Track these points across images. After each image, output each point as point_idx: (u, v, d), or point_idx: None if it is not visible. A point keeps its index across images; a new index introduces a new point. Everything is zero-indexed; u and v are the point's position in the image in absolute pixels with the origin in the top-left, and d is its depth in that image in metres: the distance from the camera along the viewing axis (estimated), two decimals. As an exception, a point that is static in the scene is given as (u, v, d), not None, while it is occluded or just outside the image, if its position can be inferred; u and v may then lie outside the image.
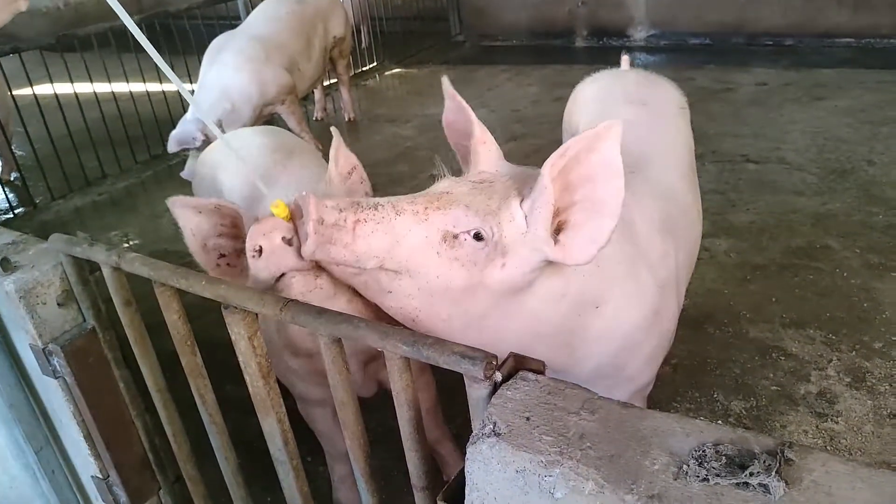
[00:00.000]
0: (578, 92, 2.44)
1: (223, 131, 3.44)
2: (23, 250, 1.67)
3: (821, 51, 6.64)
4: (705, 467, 0.82)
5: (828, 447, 2.23)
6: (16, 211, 4.89)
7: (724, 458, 0.82)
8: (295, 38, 4.86)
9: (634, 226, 1.59)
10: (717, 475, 0.81)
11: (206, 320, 2.18)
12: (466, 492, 0.97)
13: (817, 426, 2.32)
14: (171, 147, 4.14)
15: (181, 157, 4.36)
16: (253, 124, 4.41)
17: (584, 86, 2.45)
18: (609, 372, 1.56)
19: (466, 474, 0.96)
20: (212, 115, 4.18)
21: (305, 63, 4.96)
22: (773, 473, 0.79)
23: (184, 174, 4.22)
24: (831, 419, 2.34)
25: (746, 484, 0.79)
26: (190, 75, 5.62)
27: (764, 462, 0.80)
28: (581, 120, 2.26)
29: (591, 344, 1.48)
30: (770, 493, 0.78)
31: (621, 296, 1.48)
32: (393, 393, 1.14)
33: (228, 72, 4.39)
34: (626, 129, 1.20)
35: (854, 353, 2.62)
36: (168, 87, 5.55)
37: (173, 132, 4.12)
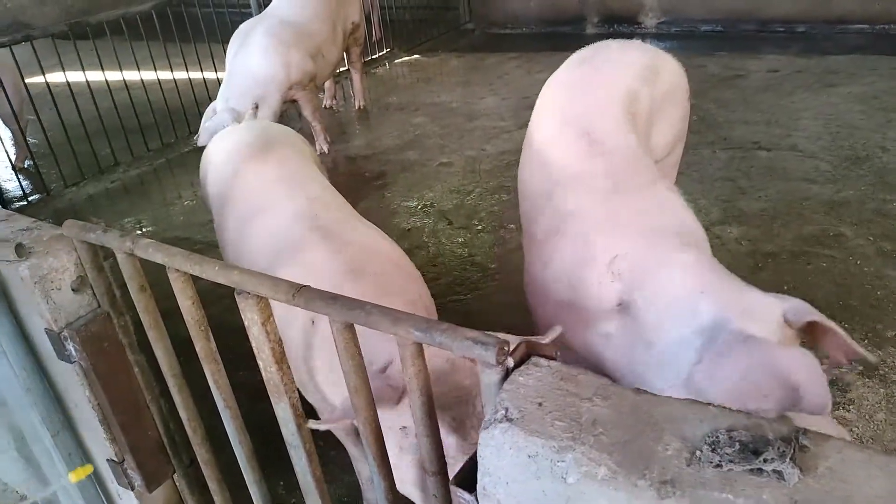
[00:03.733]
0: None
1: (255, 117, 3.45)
2: (38, 236, 1.69)
3: (833, 37, 6.56)
4: (719, 453, 0.82)
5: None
6: (30, 198, 4.93)
7: (737, 444, 0.82)
8: (322, 24, 4.84)
9: None
10: (731, 461, 0.81)
11: (219, 307, 2.21)
12: (479, 476, 0.97)
13: (829, 414, 2.31)
14: (203, 140, 4.08)
15: (192, 146, 4.37)
16: (280, 109, 4.41)
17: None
18: None
19: (479, 459, 0.97)
20: (246, 103, 4.15)
21: (330, 48, 4.94)
22: (788, 460, 0.79)
23: None
24: (843, 407, 2.33)
25: (760, 470, 0.79)
26: (200, 63, 5.64)
27: (778, 448, 0.80)
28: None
29: None
30: (784, 480, 0.78)
31: None
32: (405, 379, 1.14)
33: (257, 56, 4.37)
34: None
35: (867, 341, 2.60)
36: (179, 74, 5.55)
37: (206, 124, 4.06)
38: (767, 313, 1.49)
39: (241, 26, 4.66)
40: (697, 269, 1.64)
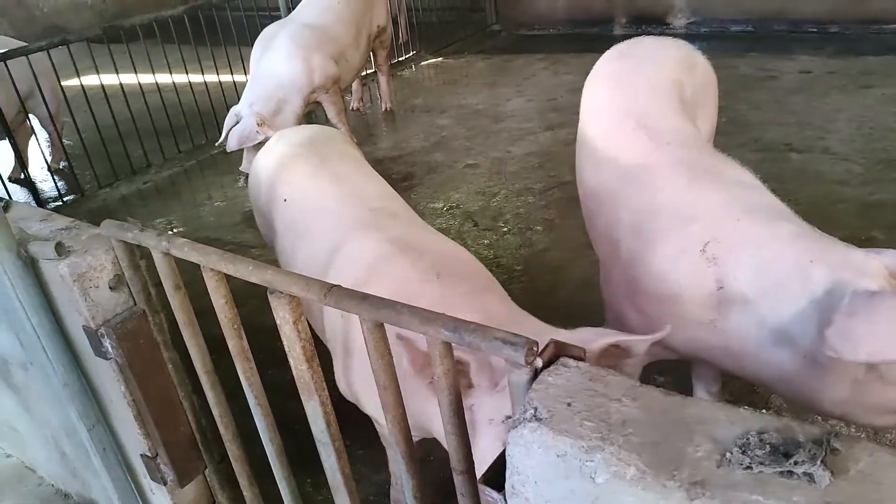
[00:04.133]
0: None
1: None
2: (76, 235, 1.73)
3: (867, 38, 6.45)
4: (749, 455, 0.82)
5: (871, 440, 2.19)
6: (65, 199, 5.04)
7: (768, 446, 0.82)
8: (346, 28, 4.89)
9: None
10: (761, 463, 0.81)
11: (250, 307, 2.24)
12: (507, 475, 0.98)
13: (861, 420, 2.28)
14: (232, 145, 4.13)
15: (222, 148, 4.43)
16: (302, 112, 4.47)
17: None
18: None
19: (507, 458, 0.98)
20: (269, 106, 4.21)
21: (353, 53, 4.99)
22: (819, 462, 0.79)
23: (244, 167, 4.29)
24: (875, 413, 2.29)
25: (791, 472, 0.79)
26: (231, 66, 5.72)
27: (809, 451, 0.80)
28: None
29: None
30: (815, 483, 0.78)
31: None
32: (434, 377, 1.16)
33: (281, 60, 4.43)
34: None
35: (900, 346, 2.56)
36: (210, 77, 5.64)
37: (234, 129, 4.11)
38: (873, 268, 1.53)
39: (265, 31, 4.72)
40: (797, 238, 1.67)
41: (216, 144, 4.26)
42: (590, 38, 7.60)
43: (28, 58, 4.64)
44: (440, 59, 7.61)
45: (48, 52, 4.82)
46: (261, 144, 4.10)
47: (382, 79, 5.99)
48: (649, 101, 2.25)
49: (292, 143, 2.57)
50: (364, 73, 6.32)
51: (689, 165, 1.97)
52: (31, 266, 1.69)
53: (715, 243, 1.73)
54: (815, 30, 6.81)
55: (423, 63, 7.52)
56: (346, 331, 1.75)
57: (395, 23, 7.11)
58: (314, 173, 2.31)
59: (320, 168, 2.32)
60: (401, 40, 7.44)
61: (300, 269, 2.01)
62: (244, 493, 1.82)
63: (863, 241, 3.26)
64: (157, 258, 1.53)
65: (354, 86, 6.12)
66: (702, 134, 2.34)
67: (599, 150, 2.25)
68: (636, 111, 2.21)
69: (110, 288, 1.67)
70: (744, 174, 2.00)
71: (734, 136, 4.53)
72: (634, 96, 2.29)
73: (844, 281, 1.49)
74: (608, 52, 2.65)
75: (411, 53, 7.58)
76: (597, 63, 2.64)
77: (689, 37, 7.48)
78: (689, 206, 1.86)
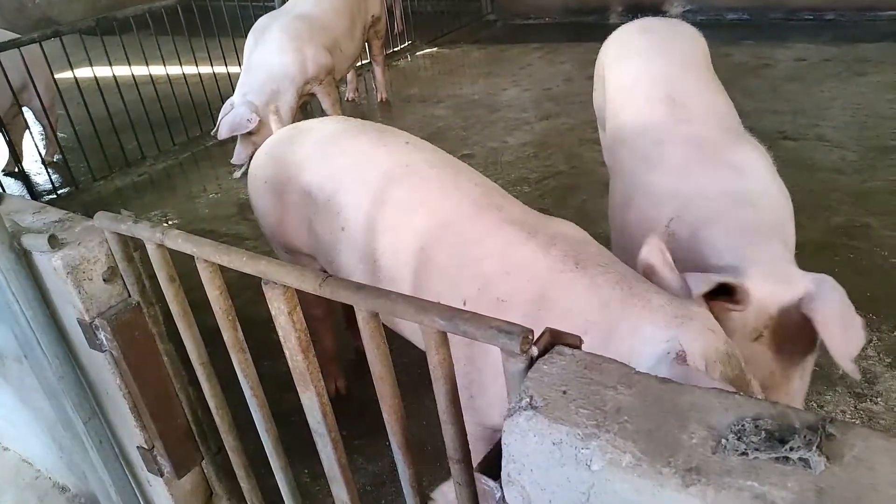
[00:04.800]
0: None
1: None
2: (69, 228, 1.72)
3: (862, 25, 6.44)
4: (744, 441, 0.82)
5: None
6: (59, 191, 5.02)
7: (763, 432, 0.82)
8: (339, 18, 4.86)
9: None
10: (757, 449, 0.81)
11: (245, 298, 2.24)
12: (503, 464, 0.98)
13: (855, 406, 2.29)
14: (223, 133, 4.12)
15: (217, 140, 4.42)
16: (297, 103, 4.45)
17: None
18: None
19: (503, 446, 0.98)
20: (261, 97, 4.19)
21: (348, 43, 4.96)
22: (814, 448, 0.79)
23: (235, 160, 4.26)
24: (870, 399, 2.30)
25: (786, 458, 0.79)
26: (225, 57, 5.69)
27: (804, 437, 0.80)
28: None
29: None
30: (810, 468, 0.78)
31: None
32: (430, 367, 1.16)
33: (273, 52, 4.41)
34: None
35: (895, 333, 2.57)
36: (204, 69, 5.61)
37: (225, 118, 4.11)
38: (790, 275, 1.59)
39: (258, 22, 4.69)
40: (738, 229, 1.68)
41: (211, 133, 4.24)
42: (585, 27, 7.58)
43: (20, 50, 4.61)
44: (436, 49, 7.57)
45: (41, 45, 4.79)
46: (252, 135, 4.10)
47: (377, 69, 5.96)
48: (679, 73, 2.29)
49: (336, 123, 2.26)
50: (359, 64, 6.29)
51: (697, 145, 1.97)
52: (25, 259, 1.68)
53: (676, 221, 1.78)
54: (811, 17, 6.80)
55: (418, 53, 7.49)
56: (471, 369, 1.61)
57: (390, 13, 7.07)
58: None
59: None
60: (396, 30, 7.41)
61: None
62: (241, 485, 1.82)
63: (857, 227, 3.26)
64: (151, 250, 1.52)
65: (350, 76, 6.09)
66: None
67: (629, 125, 2.25)
68: (664, 84, 2.24)
69: (104, 280, 1.66)
70: (749, 158, 1.96)
71: (730, 124, 4.52)
72: (666, 69, 2.32)
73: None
74: (625, 27, 2.68)
75: (407, 43, 7.54)
76: (617, 38, 2.64)
77: (685, 25, 7.50)
78: (673, 184, 1.87)
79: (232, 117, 4.08)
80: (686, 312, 1.38)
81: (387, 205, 1.85)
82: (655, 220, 1.80)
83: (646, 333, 1.35)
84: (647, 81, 2.31)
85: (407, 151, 1.97)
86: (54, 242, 1.61)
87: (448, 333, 1.10)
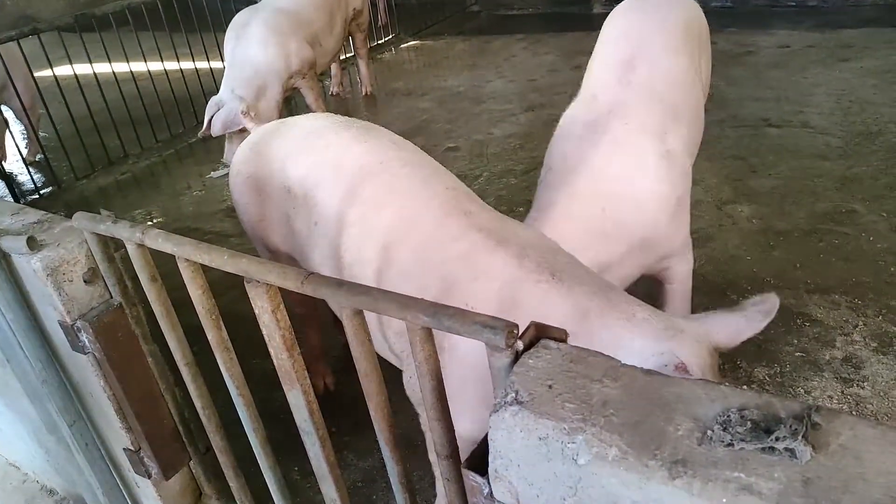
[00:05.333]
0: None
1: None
2: (48, 229, 1.70)
3: (846, 10, 6.47)
4: (730, 432, 0.82)
5: (853, 412, 2.22)
6: (41, 191, 4.96)
7: (749, 422, 0.82)
8: (318, 12, 4.82)
9: None
10: (743, 440, 0.81)
11: (230, 297, 2.22)
12: (490, 459, 0.98)
13: (843, 391, 2.30)
14: (217, 130, 4.04)
15: (200, 137, 4.37)
16: (282, 98, 4.41)
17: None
18: None
19: (490, 442, 0.97)
20: (248, 93, 4.15)
21: (327, 37, 4.93)
22: (800, 438, 0.78)
23: (225, 159, 4.22)
24: (857, 384, 2.32)
25: (772, 448, 0.79)
26: (207, 53, 5.63)
27: (790, 426, 0.80)
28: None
29: None
30: (797, 458, 0.78)
31: None
32: (415, 363, 1.15)
33: (256, 47, 4.37)
34: None
35: (881, 317, 2.59)
36: (186, 64, 5.55)
37: (217, 114, 4.05)
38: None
39: (237, 17, 4.63)
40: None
41: (199, 135, 4.20)
42: (569, 18, 7.57)
43: (-2, 49, 4.55)
44: (420, 41, 7.54)
45: (18, 42, 4.72)
46: (243, 133, 4.06)
47: (361, 62, 5.93)
48: (649, 36, 2.36)
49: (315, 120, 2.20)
50: (343, 58, 6.25)
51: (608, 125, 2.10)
52: (5, 261, 1.66)
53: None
54: (793, 4, 6.82)
55: (403, 46, 7.46)
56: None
57: (373, 5, 7.03)
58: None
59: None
60: (380, 23, 7.36)
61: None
62: (230, 484, 1.81)
63: (843, 213, 3.28)
64: (132, 250, 1.50)
65: (334, 70, 6.05)
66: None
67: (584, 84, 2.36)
68: (630, 47, 2.31)
69: (85, 281, 1.64)
70: (632, 157, 2.09)
71: (712, 112, 4.51)
72: (640, 32, 2.39)
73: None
74: (619, 6, 2.69)
75: (391, 36, 7.51)
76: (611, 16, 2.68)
77: (669, 14, 7.50)
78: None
79: (226, 113, 4.03)
80: (674, 324, 1.41)
81: (356, 200, 1.82)
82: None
83: (635, 346, 1.37)
84: (614, 41, 2.40)
85: (384, 149, 1.95)
86: (33, 244, 1.58)
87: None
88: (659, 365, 1.31)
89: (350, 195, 1.84)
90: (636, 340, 1.38)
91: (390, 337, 1.78)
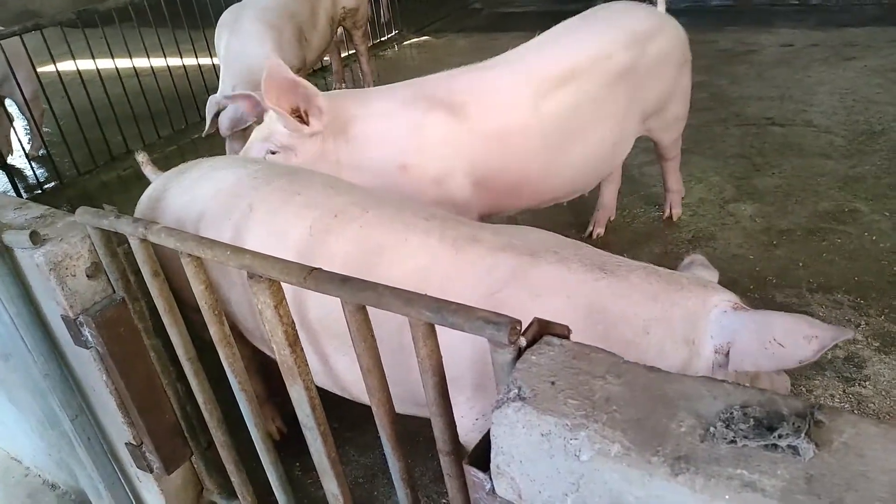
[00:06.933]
0: None
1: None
2: (51, 224, 1.70)
3: (849, 9, 6.45)
4: (733, 429, 0.82)
5: (855, 411, 2.22)
6: (44, 187, 4.96)
7: (752, 420, 0.82)
8: (300, 5, 4.82)
9: None
10: (745, 437, 0.81)
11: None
12: (492, 456, 0.98)
13: (844, 390, 2.30)
14: (225, 129, 4.03)
15: (203, 132, 4.36)
16: None
17: None
18: None
19: (492, 438, 0.97)
20: (248, 89, 4.14)
21: (311, 31, 4.91)
22: (803, 435, 0.78)
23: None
24: (859, 383, 2.31)
25: (775, 446, 0.79)
26: (209, 48, 5.62)
27: (793, 424, 0.80)
28: None
29: None
30: (799, 455, 0.78)
31: None
32: (417, 360, 1.15)
33: (250, 44, 4.35)
34: None
35: (883, 317, 2.58)
36: (189, 61, 5.54)
37: (224, 112, 4.03)
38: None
39: (225, 15, 4.58)
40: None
41: (202, 135, 4.18)
42: (570, 15, 7.53)
43: (0, 44, 4.54)
44: (423, 38, 7.53)
45: (21, 38, 4.71)
46: (246, 131, 4.04)
47: (362, 59, 5.91)
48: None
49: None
50: (345, 55, 6.24)
51: None
52: (7, 255, 1.66)
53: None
54: (796, 2, 6.80)
55: (405, 43, 7.44)
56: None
57: (376, 2, 7.01)
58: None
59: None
60: (383, 20, 7.35)
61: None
62: (231, 479, 1.81)
63: (846, 212, 3.27)
64: (134, 245, 1.50)
65: (335, 67, 6.05)
66: (644, 98, 2.71)
67: None
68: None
69: (87, 276, 1.64)
70: None
71: (715, 111, 4.52)
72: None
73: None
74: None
75: (394, 33, 7.49)
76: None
77: (670, 12, 7.46)
78: None
79: (233, 111, 4.01)
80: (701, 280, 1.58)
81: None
82: None
83: (712, 300, 1.50)
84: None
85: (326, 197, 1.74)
86: (36, 239, 1.58)
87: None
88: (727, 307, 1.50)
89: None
90: (712, 297, 1.52)
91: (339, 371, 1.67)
